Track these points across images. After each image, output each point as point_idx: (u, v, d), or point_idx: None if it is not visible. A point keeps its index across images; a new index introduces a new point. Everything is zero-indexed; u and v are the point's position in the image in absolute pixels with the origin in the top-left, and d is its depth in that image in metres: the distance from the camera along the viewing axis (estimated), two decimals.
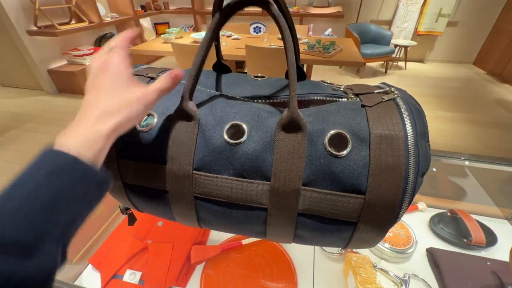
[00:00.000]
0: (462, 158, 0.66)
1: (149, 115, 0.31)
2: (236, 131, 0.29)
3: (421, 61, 3.84)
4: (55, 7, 2.63)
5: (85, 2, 2.80)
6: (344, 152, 0.26)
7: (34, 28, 2.51)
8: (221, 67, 0.40)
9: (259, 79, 0.38)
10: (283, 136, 0.27)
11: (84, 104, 0.22)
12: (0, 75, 2.93)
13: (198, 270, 0.51)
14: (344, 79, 3.24)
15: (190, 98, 0.29)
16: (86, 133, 0.20)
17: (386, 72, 3.41)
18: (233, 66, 2.42)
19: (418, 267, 0.51)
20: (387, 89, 0.32)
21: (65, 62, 2.85)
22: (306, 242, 0.32)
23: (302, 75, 0.39)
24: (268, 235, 0.32)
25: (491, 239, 0.54)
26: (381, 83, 0.35)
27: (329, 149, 0.26)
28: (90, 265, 0.51)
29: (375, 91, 0.32)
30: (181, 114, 0.29)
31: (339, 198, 0.26)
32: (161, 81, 0.26)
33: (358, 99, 0.31)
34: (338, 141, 0.27)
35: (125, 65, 0.24)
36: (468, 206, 0.66)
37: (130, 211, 0.41)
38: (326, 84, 0.37)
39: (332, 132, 0.27)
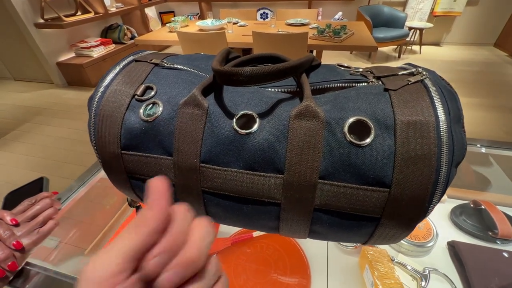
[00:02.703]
0: (486, 145, 0.61)
1: (154, 103, 0.29)
2: (246, 121, 0.26)
3: (437, 44, 3.65)
4: None
5: None
6: (368, 140, 0.23)
7: (41, 20, 2.51)
8: None
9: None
10: (298, 125, 0.25)
11: None
12: (12, 69, 2.98)
13: None
14: (354, 65, 3.12)
15: (202, 91, 0.27)
16: None
17: (399, 56, 3.26)
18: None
19: (438, 261, 0.49)
20: (413, 70, 0.28)
21: (73, 54, 2.86)
22: (322, 238, 0.30)
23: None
24: (282, 231, 0.30)
25: None
26: (406, 64, 0.32)
27: (350, 138, 0.24)
28: None
29: (400, 73, 0.29)
30: (189, 103, 0.27)
31: (360, 192, 0.24)
32: None
33: (380, 82, 0.28)
34: (359, 129, 0.24)
35: None
36: (492, 196, 0.62)
37: (138, 204, 0.39)
38: (342, 68, 0.33)
39: (352, 119, 0.24)
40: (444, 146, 0.22)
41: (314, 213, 0.26)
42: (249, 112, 0.26)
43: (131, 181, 0.31)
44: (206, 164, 0.27)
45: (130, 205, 0.38)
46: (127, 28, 3.27)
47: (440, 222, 0.55)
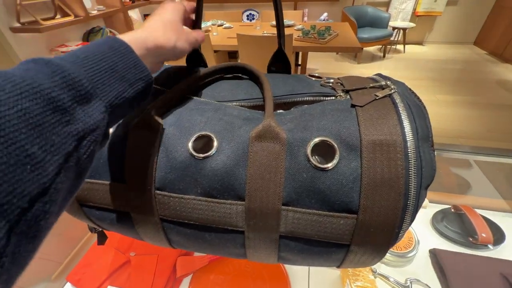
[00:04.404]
0: (467, 152, 0.61)
1: None
2: (204, 143, 0.24)
3: (420, 43, 3.72)
4: (38, 2, 2.51)
5: None
6: (330, 164, 0.21)
7: (18, 24, 2.41)
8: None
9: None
10: (258, 148, 0.23)
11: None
12: None
13: (185, 283, 0.47)
14: (341, 65, 3.15)
15: (159, 110, 0.25)
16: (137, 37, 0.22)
17: (384, 56, 3.31)
18: (225, 57, 2.34)
19: (421, 270, 0.48)
20: (383, 83, 0.27)
21: None
22: (293, 263, 0.28)
23: (285, 63, 0.35)
24: (249, 257, 0.28)
25: (498, 236, 0.51)
26: (376, 75, 0.30)
27: (313, 161, 0.22)
28: (68, 284, 0.48)
29: (368, 86, 0.27)
30: (141, 124, 0.25)
31: (327, 219, 0.22)
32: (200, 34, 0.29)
33: (348, 96, 0.27)
34: (324, 151, 0.22)
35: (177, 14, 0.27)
36: (473, 200, 0.62)
37: (100, 229, 0.37)
38: (313, 78, 0.32)
39: (315, 140, 0.22)
40: (412, 168, 0.21)
41: (280, 240, 0.24)
42: (207, 133, 0.24)
43: (83, 208, 0.28)
44: (161, 192, 0.24)
45: (90, 230, 0.35)
46: (110, 31, 3.18)
47: (422, 229, 0.54)
